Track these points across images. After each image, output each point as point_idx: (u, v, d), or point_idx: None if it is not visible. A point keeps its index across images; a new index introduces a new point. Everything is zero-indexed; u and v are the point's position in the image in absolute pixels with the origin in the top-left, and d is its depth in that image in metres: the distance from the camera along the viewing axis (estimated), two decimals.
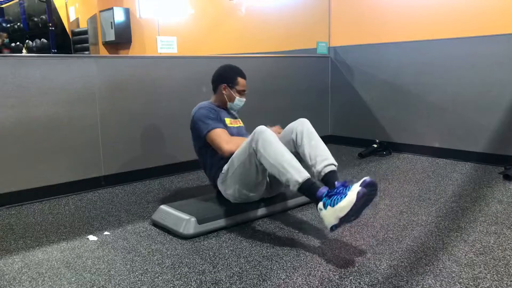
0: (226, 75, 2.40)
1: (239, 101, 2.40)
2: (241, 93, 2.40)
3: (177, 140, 3.22)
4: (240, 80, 2.39)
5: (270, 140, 1.95)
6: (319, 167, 2.01)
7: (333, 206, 1.69)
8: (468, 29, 3.31)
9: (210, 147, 2.27)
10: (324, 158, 2.03)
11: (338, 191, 1.75)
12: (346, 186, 1.76)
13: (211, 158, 2.29)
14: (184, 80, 3.26)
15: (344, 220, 1.69)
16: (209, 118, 2.26)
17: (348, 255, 1.78)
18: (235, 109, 2.45)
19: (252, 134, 2.00)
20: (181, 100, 3.23)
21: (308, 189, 1.84)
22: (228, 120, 2.37)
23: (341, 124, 4.34)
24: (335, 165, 2.03)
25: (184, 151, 3.24)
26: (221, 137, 2.21)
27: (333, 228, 1.73)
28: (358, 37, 4.07)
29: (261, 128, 1.99)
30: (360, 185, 1.68)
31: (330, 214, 1.71)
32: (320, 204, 1.77)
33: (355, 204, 1.64)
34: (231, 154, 2.17)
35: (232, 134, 2.30)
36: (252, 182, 2.11)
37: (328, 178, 1.97)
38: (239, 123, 2.46)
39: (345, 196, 1.68)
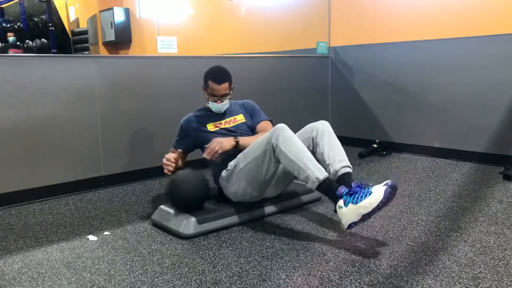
0: (204, 76, 2.39)
1: (211, 104, 2.38)
2: (211, 96, 2.35)
3: None
4: (210, 83, 2.33)
5: (291, 137, 1.96)
6: (336, 166, 2.03)
7: (356, 203, 1.74)
8: (468, 29, 3.31)
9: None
10: (342, 159, 2.06)
11: (357, 190, 1.79)
12: (362, 187, 1.78)
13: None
14: (184, 80, 3.26)
15: (366, 217, 1.73)
16: (177, 136, 2.46)
17: (348, 255, 1.78)
18: (214, 111, 2.41)
19: (272, 130, 2.01)
20: (181, 100, 3.23)
21: (327, 187, 1.87)
22: (211, 126, 2.37)
23: (341, 124, 4.34)
24: (351, 168, 2.06)
25: None
26: (168, 157, 2.30)
27: (352, 225, 1.78)
28: (358, 37, 4.07)
29: (282, 125, 2.00)
30: (384, 185, 1.73)
31: (351, 211, 1.75)
32: (340, 202, 1.80)
33: (381, 201, 1.69)
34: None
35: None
36: (260, 180, 2.10)
37: (344, 179, 1.99)
38: (235, 122, 2.42)
39: (369, 194, 1.72)
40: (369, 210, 1.71)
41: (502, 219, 2.14)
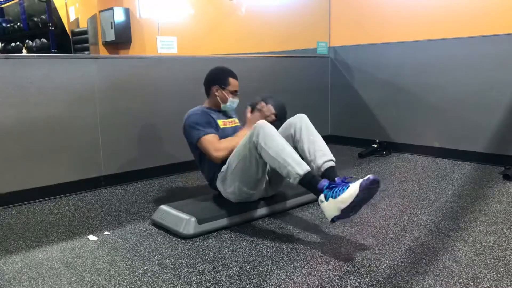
0: (217, 76, 2.41)
1: (232, 102, 2.41)
2: (233, 93, 2.40)
3: (177, 140, 3.20)
4: (231, 80, 2.39)
5: (271, 134, 1.96)
6: (318, 162, 2.03)
7: (335, 197, 1.73)
8: (468, 29, 3.31)
9: None
10: (323, 153, 2.06)
11: (338, 184, 1.79)
12: (346, 182, 1.78)
13: (208, 162, 2.30)
14: (184, 80, 3.26)
15: (346, 211, 1.72)
16: (199, 124, 2.28)
17: (348, 255, 1.78)
18: (229, 110, 2.45)
19: (252, 128, 2.01)
20: (181, 100, 3.22)
21: (308, 181, 1.87)
22: (221, 122, 2.37)
23: (341, 124, 4.34)
24: (333, 161, 2.06)
25: (184, 151, 3.22)
26: (210, 144, 2.22)
27: (334, 219, 1.77)
28: (358, 37, 4.07)
29: (262, 122, 2.00)
30: (364, 180, 1.72)
31: (331, 205, 1.75)
32: (322, 196, 1.80)
33: (357, 195, 1.68)
34: (221, 160, 2.21)
35: (227, 135, 2.31)
36: (252, 178, 2.11)
37: (328, 174, 2.00)
38: (234, 123, 2.46)
39: (347, 188, 1.72)
40: (346, 204, 1.70)
41: (502, 219, 2.14)
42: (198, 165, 2.42)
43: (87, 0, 6.92)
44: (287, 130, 2.21)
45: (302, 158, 2.00)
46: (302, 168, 1.88)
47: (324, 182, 1.83)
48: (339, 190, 1.74)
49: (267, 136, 1.95)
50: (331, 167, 2.02)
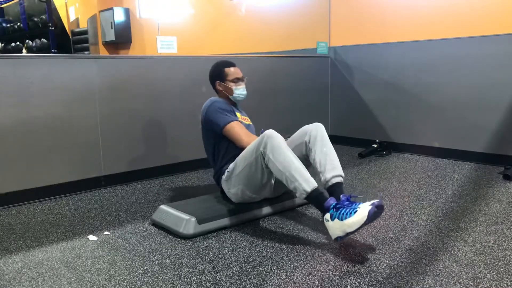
0: (215, 72, 2.42)
1: (237, 89, 2.37)
2: (235, 81, 2.37)
3: (177, 140, 3.23)
4: (227, 70, 2.38)
5: (279, 146, 1.94)
6: (327, 176, 2.02)
7: (342, 220, 1.74)
8: (468, 29, 3.31)
9: (223, 143, 2.26)
10: (333, 167, 2.04)
11: (345, 205, 1.79)
12: (350, 202, 1.79)
13: (223, 155, 2.29)
14: (184, 80, 3.26)
15: (350, 233, 1.75)
16: (226, 111, 2.26)
17: (348, 255, 1.78)
18: (239, 100, 2.41)
19: (260, 137, 2.00)
20: (181, 100, 3.23)
21: (315, 198, 1.87)
22: (238, 115, 2.36)
23: (341, 124, 4.34)
24: (342, 177, 2.04)
25: (184, 151, 3.25)
26: (241, 129, 2.22)
27: (338, 239, 1.79)
28: (358, 37, 4.07)
29: (271, 132, 1.98)
30: (370, 205, 1.73)
31: (337, 226, 1.76)
32: (327, 215, 1.81)
33: (365, 222, 1.70)
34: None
35: None
36: (257, 184, 2.11)
37: (334, 189, 1.99)
38: (247, 121, 2.44)
39: (354, 213, 1.72)
40: (353, 229, 1.72)
41: (502, 219, 2.14)
42: (211, 155, 2.37)
43: (87, 0, 6.92)
44: (302, 137, 2.18)
45: (308, 167, 1.99)
46: (309, 184, 1.87)
47: (331, 201, 1.83)
48: (346, 213, 1.74)
49: (275, 148, 1.93)
50: (338, 183, 2.01)
